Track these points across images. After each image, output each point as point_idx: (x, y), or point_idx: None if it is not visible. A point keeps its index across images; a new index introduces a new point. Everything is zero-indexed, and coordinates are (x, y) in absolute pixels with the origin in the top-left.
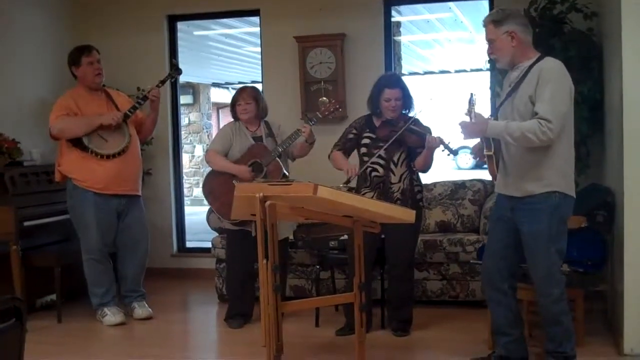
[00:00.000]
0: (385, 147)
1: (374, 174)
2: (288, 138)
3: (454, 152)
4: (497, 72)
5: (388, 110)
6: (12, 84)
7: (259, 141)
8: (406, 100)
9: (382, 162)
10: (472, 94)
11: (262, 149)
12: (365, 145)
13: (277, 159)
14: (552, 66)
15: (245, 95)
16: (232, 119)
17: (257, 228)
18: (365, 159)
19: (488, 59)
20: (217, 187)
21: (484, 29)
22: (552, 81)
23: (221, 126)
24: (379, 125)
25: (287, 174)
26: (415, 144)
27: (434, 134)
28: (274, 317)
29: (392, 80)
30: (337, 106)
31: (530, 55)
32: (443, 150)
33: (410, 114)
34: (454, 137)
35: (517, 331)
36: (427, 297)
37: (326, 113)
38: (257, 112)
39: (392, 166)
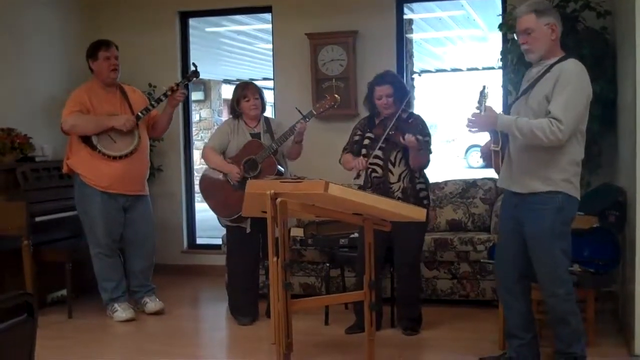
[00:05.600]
0: (378, 146)
1: (373, 174)
2: (283, 135)
3: (430, 152)
4: (510, 70)
5: (382, 107)
6: (24, 79)
7: (257, 138)
8: (399, 95)
9: (380, 162)
10: (484, 86)
11: (257, 146)
12: (365, 146)
13: (272, 155)
14: (573, 68)
15: (254, 90)
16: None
17: (250, 225)
18: (366, 159)
19: (500, 57)
20: (212, 184)
21: (520, 18)
22: (571, 84)
23: None
24: (377, 124)
25: (282, 170)
26: (401, 143)
27: (439, 127)
28: (284, 315)
29: (381, 78)
30: (333, 103)
31: (557, 54)
32: (419, 150)
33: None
34: (463, 133)
35: (529, 335)
36: (437, 295)
37: (321, 110)
38: (262, 108)
39: (390, 166)
